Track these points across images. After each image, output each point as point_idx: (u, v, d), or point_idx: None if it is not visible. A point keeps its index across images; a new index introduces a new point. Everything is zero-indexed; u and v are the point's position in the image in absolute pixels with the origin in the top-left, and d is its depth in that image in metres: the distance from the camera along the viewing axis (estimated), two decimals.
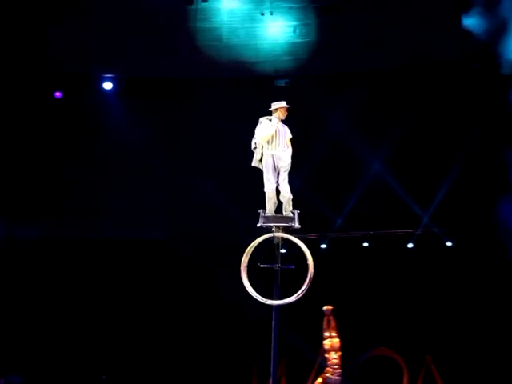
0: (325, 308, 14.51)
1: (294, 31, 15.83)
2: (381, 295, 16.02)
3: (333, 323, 14.49)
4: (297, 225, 9.16)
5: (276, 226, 9.13)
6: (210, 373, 16.09)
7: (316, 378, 14.73)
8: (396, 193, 15.55)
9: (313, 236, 16.54)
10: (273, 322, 9.20)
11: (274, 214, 9.16)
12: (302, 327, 15.80)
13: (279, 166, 9.14)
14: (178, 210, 16.43)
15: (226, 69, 15.88)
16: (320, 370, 14.68)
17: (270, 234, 9.11)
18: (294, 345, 15.83)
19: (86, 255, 16.45)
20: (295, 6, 15.77)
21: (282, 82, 16.16)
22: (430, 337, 15.79)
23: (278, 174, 9.15)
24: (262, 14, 15.75)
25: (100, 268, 16.48)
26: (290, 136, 9.29)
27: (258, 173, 16.06)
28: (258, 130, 9.26)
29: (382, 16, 15.31)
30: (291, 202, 9.16)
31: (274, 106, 9.43)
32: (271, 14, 15.74)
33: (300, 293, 8.96)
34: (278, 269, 9.12)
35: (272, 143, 9.15)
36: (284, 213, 9.17)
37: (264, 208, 9.16)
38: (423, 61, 15.29)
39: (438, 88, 15.43)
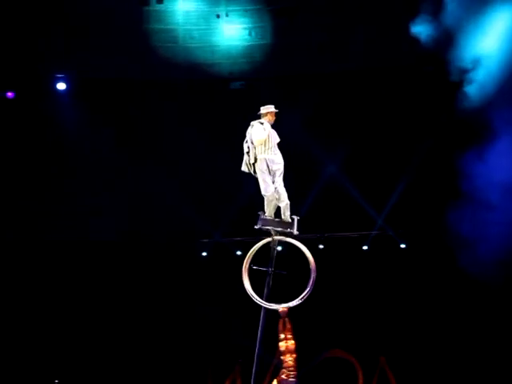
0: (280, 310, 14.49)
1: (250, 33, 15.83)
2: (336, 297, 16.09)
3: (288, 325, 14.43)
4: (295, 231, 9.23)
5: (275, 230, 9.19)
6: (166, 376, 16.00)
7: (271, 381, 14.70)
8: (351, 195, 15.64)
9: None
10: (260, 323, 9.24)
11: (273, 217, 9.22)
12: (257, 329, 15.77)
13: (273, 169, 9.17)
14: (132, 212, 16.27)
15: (182, 70, 15.81)
16: (275, 372, 14.66)
17: (270, 238, 9.21)
18: (249, 347, 15.83)
19: (38, 257, 16.24)
20: (251, 8, 15.78)
21: (237, 84, 16.16)
22: (384, 338, 15.92)
23: (274, 177, 9.18)
24: (218, 16, 15.72)
25: (54, 269, 16.30)
26: (278, 140, 9.36)
27: (212, 175, 16.14)
28: (251, 133, 9.26)
29: (337, 19, 15.40)
30: (289, 207, 9.23)
31: (264, 110, 9.46)
32: (227, 16, 15.73)
33: (304, 295, 9.05)
34: (270, 272, 9.24)
35: (264, 147, 9.18)
36: (283, 217, 9.23)
37: (263, 210, 9.24)
38: (379, 64, 15.40)
39: (394, 92, 15.55)
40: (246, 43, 15.86)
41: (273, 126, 9.38)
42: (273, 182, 9.16)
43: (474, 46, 13.43)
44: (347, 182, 15.64)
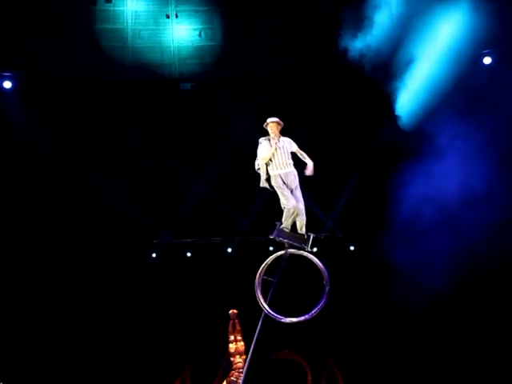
0: (230, 311, 14.52)
1: (200, 35, 15.81)
2: (285, 298, 16.07)
3: (238, 327, 14.51)
4: (309, 248, 9.25)
5: (289, 244, 9.23)
6: (115, 377, 15.83)
7: (221, 382, 14.70)
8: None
9: (218, 240, 16.54)
10: (258, 328, 9.47)
11: (289, 230, 9.21)
12: (207, 330, 15.73)
13: (288, 183, 9.13)
14: (80, 212, 16.07)
15: (131, 71, 15.71)
16: (225, 374, 14.65)
17: (283, 251, 9.25)
18: (199, 348, 15.78)
19: None
20: (200, 9, 15.78)
21: (187, 86, 16.11)
22: (332, 340, 15.99)
23: (292, 191, 9.15)
24: (167, 17, 15.67)
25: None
26: (295, 148, 9.35)
27: (161, 175, 16.02)
28: (259, 150, 9.26)
29: (287, 21, 15.47)
30: (305, 223, 9.28)
31: (266, 123, 9.38)
32: (176, 17, 15.68)
33: (317, 310, 9.32)
34: (275, 282, 9.38)
35: (274, 163, 9.15)
36: (299, 232, 9.26)
37: (280, 220, 9.21)
38: (327, 65, 15.48)
39: (342, 93, 15.65)
40: (196, 44, 15.85)
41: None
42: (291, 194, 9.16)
43: (406, 60, 13.61)
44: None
